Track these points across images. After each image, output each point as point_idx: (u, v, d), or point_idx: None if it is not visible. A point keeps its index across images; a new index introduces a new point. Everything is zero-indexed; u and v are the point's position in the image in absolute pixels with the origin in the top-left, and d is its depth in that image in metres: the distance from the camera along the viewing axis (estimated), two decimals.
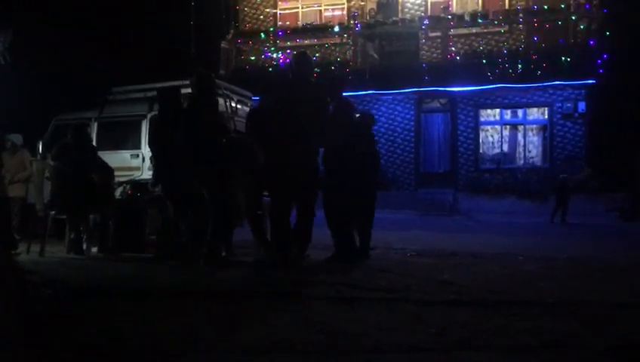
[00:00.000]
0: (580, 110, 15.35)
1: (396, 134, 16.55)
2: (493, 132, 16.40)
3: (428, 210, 14.14)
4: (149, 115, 8.44)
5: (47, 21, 16.72)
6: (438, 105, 16.54)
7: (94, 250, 6.68)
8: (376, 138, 7.24)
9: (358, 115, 6.57)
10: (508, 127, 16.32)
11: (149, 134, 6.88)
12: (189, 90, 7.46)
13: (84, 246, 6.59)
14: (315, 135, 5.46)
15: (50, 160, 7.22)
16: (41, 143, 8.76)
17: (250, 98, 8.96)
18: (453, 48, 15.78)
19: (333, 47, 16.92)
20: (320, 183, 5.77)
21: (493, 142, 16.38)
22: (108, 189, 6.91)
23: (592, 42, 14.54)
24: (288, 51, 17.00)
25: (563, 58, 14.31)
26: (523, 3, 15.94)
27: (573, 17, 15.03)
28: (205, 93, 5.93)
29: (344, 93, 6.31)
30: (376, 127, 16.00)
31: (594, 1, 14.90)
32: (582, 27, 14.93)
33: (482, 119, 16.32)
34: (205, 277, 4.93)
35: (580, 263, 5.98)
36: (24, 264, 5.37)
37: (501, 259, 6.21)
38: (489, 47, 15.86)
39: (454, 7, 16.40)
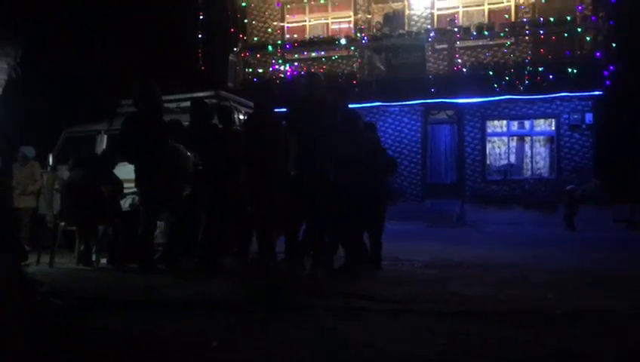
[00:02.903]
0: (587, 121, 15.34)
1: (403, 145, 16.57)
2: (500, 143, 16.40)
3: (435, 221, 14.12)
4: None
5: (57, 35, 16.89)
6: (445, 116, 16.56)
7: (104, 261, 6.71)
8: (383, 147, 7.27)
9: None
10: (515, 138, 16.31)
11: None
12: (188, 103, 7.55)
13: (94, 258, 6.63)
14: (327, 149, 5.62)
15: (60, 172, 7.29)
16: (51, 155, 8.83)
17: None
18: (459, 60, 15.82)
19: (339, 60, 17.02)
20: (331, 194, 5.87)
21: (500, 154, 16.38)
22: (116, 201, 6.96)
23: (598, 54, 14.55)
24: (296, 64, 17.11)
25: (569, 70, 14.32)
26: (529, 15, 15.99)
27: (580, 29, 15.06)
28: (149, 105, 6.09)
29: (349, 105, 6.41)
30: (383, 139, 16.06)
31: (600, 13, 14.92)
32: (588, 39, 14.94)
33: (489, 130, 16.33)
34: (214, 288, 4.95)
35: (588, 274, 5.95)
36: (34, 275, 5.41)
37: (509, 269, 6.19)
38: (495, 59, 15.89)
39: (460, 19, 16.47)
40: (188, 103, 7.56)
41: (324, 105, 5.80)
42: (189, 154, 6.28)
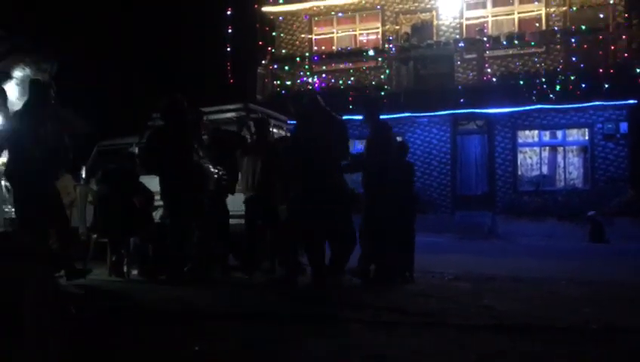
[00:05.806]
0: (621, 131, 14.99)
1: (432, 156, 16.43)
2: (531, 153, 16.14)
3: (465, 233, 13.92)
4: None
5: (89, 51, 17.30)
6: (475, 127, 16.36)
7: (135, 272, 6.79)
8: (411, 161, 7.25)
9: (398, 140, 6.63)
10: (547, 148, 16.02)
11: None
12: (227, 115, 7.63)
13: (125, 269, 6.71)
14: (334, 161, 5.66)
15: (93, 185, 7.41)
16: (84, 169, 9.00)
17: (286, 122, 9.05)
18: (489, 70, 15.64)
19: (368, 71, 17.02)
20: (351, 205, 5.85)
21: (531, 164, 16.10)
22: (147, 213, 7.04)
23: (632, 62, 14.24)
24: (324, 75, 17.17)
25: (603, 78, 14.03)
26: (560, 24, 15.76)
27: (613, 37, 14.77)
28: (176, 119, 6.12)
29: (380, 116, 6.37)
30: (412, 150, 15.95)
31: (633, 20, 14.62)
32: (621, 46, 14.64)
33: (520, 140, 16.09)
34: (242, 299, 4.96)
35: (624, 288, 5.79)
36: (66, 286, 5.50)
37: (542, 283, 6.06)
38: (526, 68, 15.67)
39: (490, 29, 16.32)
40: (217, 116, 7.69)
41: (333, 118, 5.83)
42: (211, 169, 6.28)
